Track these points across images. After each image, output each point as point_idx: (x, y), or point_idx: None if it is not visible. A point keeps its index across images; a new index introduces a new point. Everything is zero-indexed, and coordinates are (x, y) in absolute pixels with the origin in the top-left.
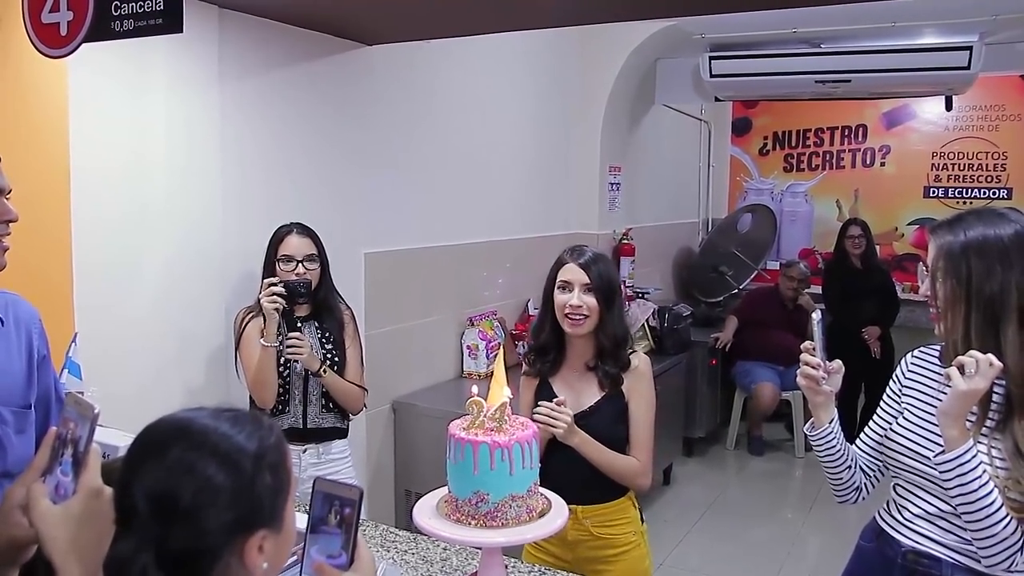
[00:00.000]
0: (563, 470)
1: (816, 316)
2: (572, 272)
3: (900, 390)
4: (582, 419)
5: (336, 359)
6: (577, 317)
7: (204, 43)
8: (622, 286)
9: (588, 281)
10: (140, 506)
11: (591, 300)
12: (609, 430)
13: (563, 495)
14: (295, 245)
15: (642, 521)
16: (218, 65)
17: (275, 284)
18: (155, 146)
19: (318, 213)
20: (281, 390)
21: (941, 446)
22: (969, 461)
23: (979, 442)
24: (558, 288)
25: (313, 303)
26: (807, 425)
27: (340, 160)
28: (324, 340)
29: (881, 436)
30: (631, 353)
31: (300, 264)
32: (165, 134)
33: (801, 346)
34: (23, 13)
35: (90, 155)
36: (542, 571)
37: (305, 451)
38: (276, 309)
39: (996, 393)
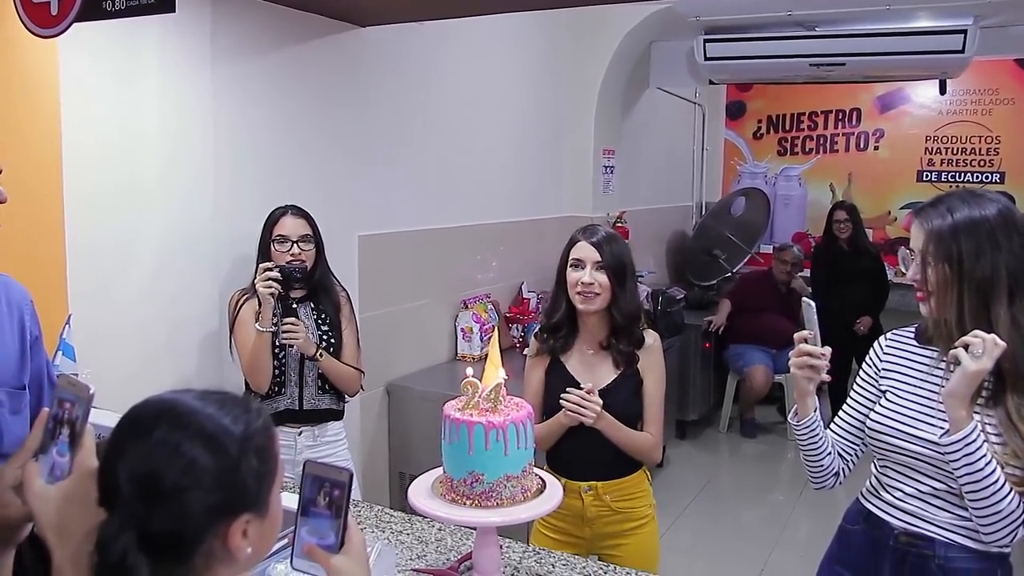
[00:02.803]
0: (582, 449)
1: (811, 304)
2: (584, 250)
3: (877, 373)
4: (600, 398)
5: (332, 341)
6: (589, 294)
7: (196, 24)
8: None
9: (600, 259)
10: (123, 486)
11: (602, 277)
12: (625, 408)
13: (583, 473)
14: (290, 226)
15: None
16: (211, 46)
17: (271, 269)
18: (147, 128)
19: (311, 195)
20: (277, 372)
21: (929, 425)
22: (975, 440)
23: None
24: (570, 266)
25: (309, 285)
26: (791, 415)
27: (333, 142)
28: (320, 322)
29: (859, 420)
30: (643, 329)
31: (295, 245)
32: (157, 116)
33: (796, 335)
34: None
35: (82, 137)
36: (536, 551)
37: (301, 433)
38: (272, 294)
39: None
